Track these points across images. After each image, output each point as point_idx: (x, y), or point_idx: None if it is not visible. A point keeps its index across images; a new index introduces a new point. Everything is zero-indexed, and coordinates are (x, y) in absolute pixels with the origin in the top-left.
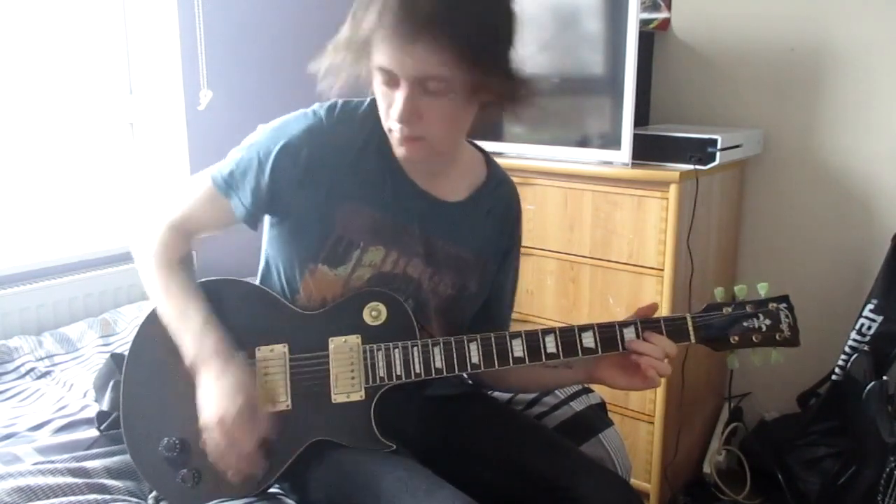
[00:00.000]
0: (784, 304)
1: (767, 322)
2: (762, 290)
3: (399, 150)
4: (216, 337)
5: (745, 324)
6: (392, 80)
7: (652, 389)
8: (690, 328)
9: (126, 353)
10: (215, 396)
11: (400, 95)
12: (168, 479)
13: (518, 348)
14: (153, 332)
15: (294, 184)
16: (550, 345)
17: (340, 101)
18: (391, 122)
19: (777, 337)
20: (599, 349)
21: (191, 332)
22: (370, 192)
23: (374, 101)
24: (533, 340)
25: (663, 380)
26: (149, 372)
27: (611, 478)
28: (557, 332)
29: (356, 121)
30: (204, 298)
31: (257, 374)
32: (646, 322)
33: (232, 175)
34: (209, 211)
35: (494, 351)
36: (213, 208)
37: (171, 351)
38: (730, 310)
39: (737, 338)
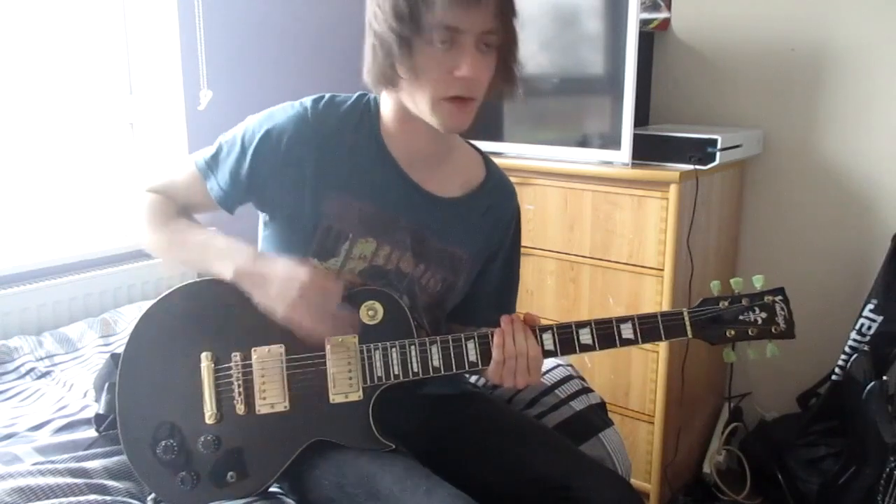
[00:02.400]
0: (780, 297)
1: (763, 315)
2: (758, 282)
3: (449, 121)
4: (246, 247)
5: (740, 317)
6: (455, 39)
7: (652, 390)
8: (687, 323)
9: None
10: (281, 282)
11: (468, 51)
12: (166, 482)
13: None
14: (147, 334)
15: (276, 170)
16: (548, 342)
17: (328, 95)
18: (453, 85)
19: (773, 330)
20: (597, 346)
21: (221, 252)
22: (359, 183)
23: (361, 96)
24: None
25: (663, 380)
26: (144, 374)
27: (611, 477)
28: (555, 329)
29: (343, 112)
30: (217, 232)
31: (254, 374)
32: (642, 318)
33: (214, 158)
34: (189, 190)
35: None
36: (193, 189)
37: (166, 353)
38: (726, 303)
39: (733, 331)
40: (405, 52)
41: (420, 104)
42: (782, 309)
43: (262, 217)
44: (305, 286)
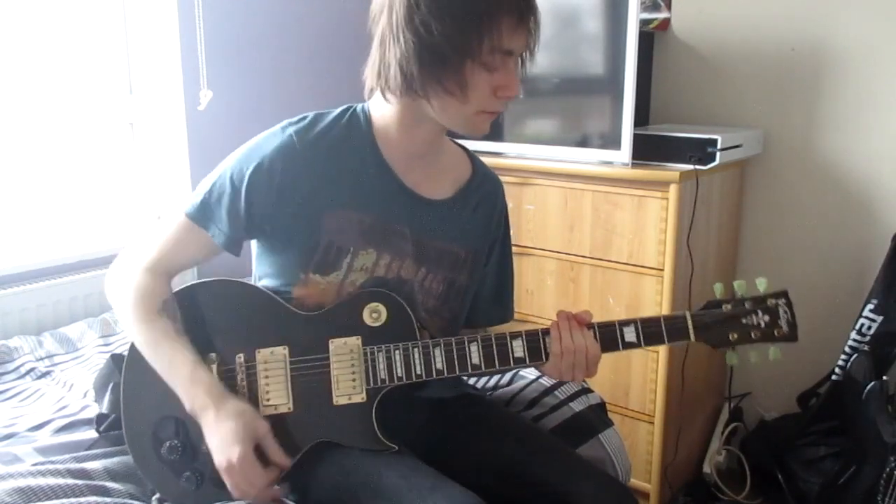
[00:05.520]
0: (783, 300)
1: (766, 318)
2: (761, 285)
3: (480, 129)
4: (205, 384)
5: (743, 320)
6: (503, 60)
7: (652, 390)
8: (690, 327)
9: (125, 355)
10: (218, 445)
11: (513, 72)
12: (171, 482)
13: (519, 348)
14: None
15: (271, 203)
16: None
17: (310, 115)
18: (497, 102)
19: (775, 333)
20: (601, 349)
21: (181, 383)
22: (356, 196)
23: (346, 110)
24: (533, 341)
25: (663, 380)
26: (149, 375)
27: (608, 481)
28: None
29: (329, 129)
30: (188, 345)
31: (258, 376)
32: (645, 322)
33: (206, 204)
34: (187, 245)
35: (495, 351)
36: (191, 242)
37: None
38: (729, 307)
39: (735, 335)
40: (458, 69)
41: (454, 115)
42: (785, 312)
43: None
44: (233, 470)
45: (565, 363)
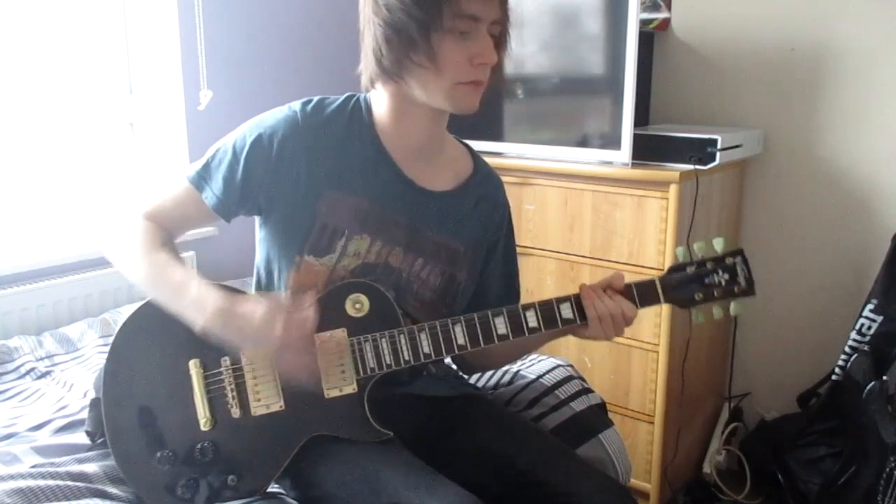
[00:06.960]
0: (739, 258)
1: (726, 276)
2: (718, 245)
3: (464, 103)
4: (214, 294)
5: (706, 280)
6: (472, 28)
7: (652, 390)
8: (659, 289)
9: (101, 372)
10: (257, 336)
11: (484, 39)
12: (165, 494)
13: (501, 325)
14: (128, 348)
15: (269, 172)
16: (532, 319)
17: (317, 97)
18: (472, 71)
19: (735, 290)
20: (577, 319)
21: (191, 303)
22: (354, 180)
23: (350, 96)
24: (514, 316)
25: (663, 380)
26: (130, 388)
27: (607, 482)
28: (537, 306)
29: (333, 111)
30: (191, 269)
31: (246, 377)
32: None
33: (206, 168)
34: (182, 206)
35: (479, 330)
36: (187, 203)
37: (151, 365)
38: (692, 268)
39: (700, 294)
40: (425, 41)
41: (434, 91)
42: (743, 269)
43: (258, 219)
44: (287, 336)
45: (605, 325)
